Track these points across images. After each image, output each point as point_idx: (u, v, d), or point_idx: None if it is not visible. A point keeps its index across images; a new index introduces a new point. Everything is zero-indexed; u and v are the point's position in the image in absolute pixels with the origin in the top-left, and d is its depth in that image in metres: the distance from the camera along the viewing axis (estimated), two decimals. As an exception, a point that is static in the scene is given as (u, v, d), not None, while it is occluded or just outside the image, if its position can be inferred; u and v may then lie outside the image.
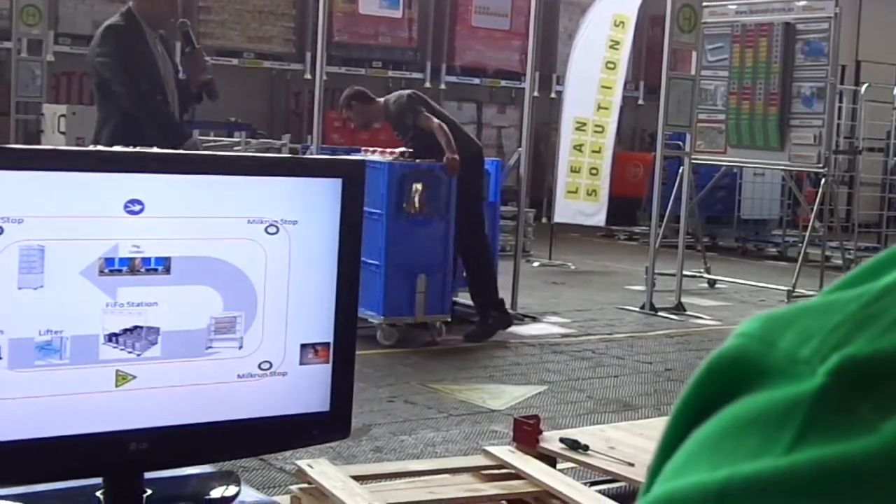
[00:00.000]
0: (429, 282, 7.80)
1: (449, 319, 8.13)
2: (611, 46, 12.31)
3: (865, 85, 15.92)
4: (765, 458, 0.42)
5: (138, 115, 6.37)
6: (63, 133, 11.92)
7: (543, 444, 4.18)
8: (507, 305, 9.11)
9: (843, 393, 0.42)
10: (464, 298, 9.12)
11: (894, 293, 0.44)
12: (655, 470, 0.47)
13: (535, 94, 10.41)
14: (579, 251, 13.74)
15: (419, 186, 7.72)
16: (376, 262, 7.59)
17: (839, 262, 11.93)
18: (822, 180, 10.78)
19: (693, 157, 10.55)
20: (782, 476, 0.41)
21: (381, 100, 8.53)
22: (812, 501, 0.41)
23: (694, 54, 10.43)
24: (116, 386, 1.80)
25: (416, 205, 7.72)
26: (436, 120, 8.11)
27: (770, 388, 0.44)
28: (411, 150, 8.00)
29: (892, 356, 0.42)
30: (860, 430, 0.41)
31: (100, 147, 5.18)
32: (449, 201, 7.87)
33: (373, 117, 8.53)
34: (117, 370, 1.80)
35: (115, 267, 1.77)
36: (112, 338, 1.78)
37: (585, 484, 4.09)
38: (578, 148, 12.38)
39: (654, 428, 4.50)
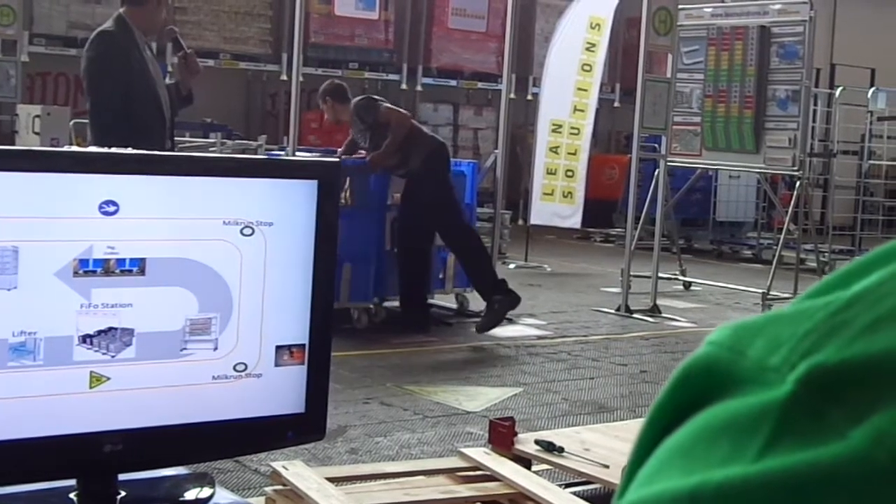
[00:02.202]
0: (353, 270, 8.25)
1: (371, 307, 8.53)
2: (587, 49, 12.33)
3: (840, 88, 16.01)
4: (735, 464, 0.42)
5: (91, 124, 6.47)
6: (38, 134, 11.86)
7: (519, 446, 4.19)
8: (483, 307, 9.12)
9: (812, 400, 0.43)
10: (440, 300, 9.13)
11: (863, 301, 0.45)
12: (630, 475, 0.48)
13: (512, 96, 10.43)
14: (555, 253, 13.76)
15: (347, 180, 8.20)
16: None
17: (814, 264, 11.98)
18: (797, 183, 10.83)
19: (669, 159, 10.58)
20: (753, 483, 0.41)
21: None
22: None
23: (669, 57, 10.46)
24: (90, 387, 1.80)
25: (345, 198, 8.11)
26: (398, 111, 8.33)
27: (740, 396, 0.44)
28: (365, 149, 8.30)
29: (860, 364, 0.42)
30: (829, 436, 0.41)
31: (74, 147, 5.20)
32: (381, 195, 8.55)
33: (344, 115, 8.65)
34: (91, 371, 1.79)
35: (89, 268, 1.76)
36: (86, 339, 1.78)
37: (560, 486, 4.09)
38: (554, 150, 12.39)
39: (629, 430, 4.52)
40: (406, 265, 8.45)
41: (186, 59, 6.81)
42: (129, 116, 6.37)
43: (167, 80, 6.84)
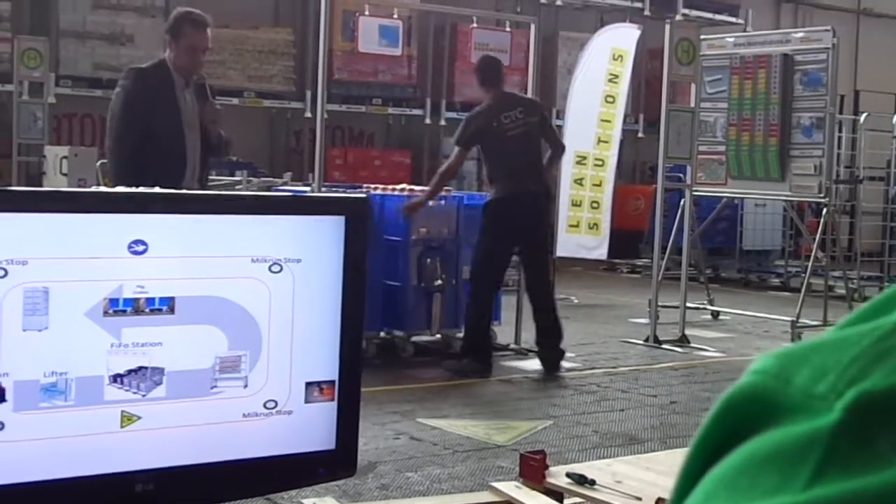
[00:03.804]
0: None
1: (379, 337, 8.61)
2: (610, 80, 12.35)
3: (864, 114, 15.94)
4: (783, 495, 0.42)
5: (108, 158, 6.54)
6: (65, 175, 11.94)
7: (550, 480, 4.16)
8: (511, 340, 9.11)
9: (860, 428, 0.42)
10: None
11: None
12: None
13: (536, 128, 10.41)
14: (582, 285, 13.73)
15: None
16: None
17: (842, 291, 11.90)
18: (824, 210, 10.78)
19: (694, 189, 10.56)
20: None
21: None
22: None
23: (693, 86, 10.45)
24: (122, 427, 1.80)
25: None
26: (451, 160, 8.40)
27: (787, 425, 0.44)
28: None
29: None
30: (878, 464, 0.41)
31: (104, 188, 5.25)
32: (405, 228, 8.63)
33: None
34: (122, 411, 1.80)
35: (119, 307, 1.77)
36: (117, 378, 1.78)
37: (593, 519, 4.06)
38: (579, 182, 12.40)
39: (660, 461, 4.49)
40: (469, 307, 8.37)
41: (206, 108, 6.83)
42: (144, 154, 6.43)
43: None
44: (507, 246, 8.34)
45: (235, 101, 15.37)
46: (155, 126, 6.51)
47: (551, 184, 8.69)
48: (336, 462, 1.98)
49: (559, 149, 8.78)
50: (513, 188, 8.13)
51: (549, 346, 8.40)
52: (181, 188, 6.19)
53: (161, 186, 3.50)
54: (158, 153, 6.48)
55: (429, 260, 8.65)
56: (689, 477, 0.47)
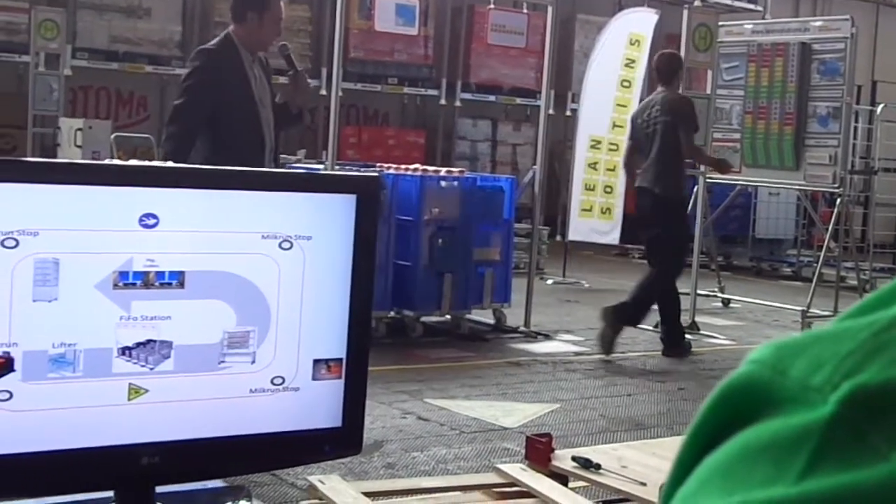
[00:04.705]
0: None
1: (389, 316, 8.59)
2: (626, 65, 12.33)
3: (881, 105, 15.89)
4: (776, 485, 0.42)
5: (167, 134, 6.38)
6: (79, 147, 11.97)
7: (555, 463, 4.17)
8: (521, 323, 9.12)
9: (854, 421, 0.42)
10: (477, 315, 9.13)
11: None
12: (669, 494, 0.47)
13: (551, 111, 10.42)
14: (593, 269, 13.72)
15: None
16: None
17: (854, 282, 11.88)
18: (838, 200, 10.75)
19: (708, 176, 10.54)
20: None
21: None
22: None
23: (709, 73, 10.43)
24: (129, 399, 1.80)
25: None
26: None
27: (782, 416, 0.44)
28: None
29: None
30: (872, 458, 0.41)
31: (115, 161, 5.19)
32: (418, 209, 8.63)
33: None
34: (130, 384, 1.80)
35: (129, 280, 1.77)
36: (125, 351, 1.79)
37: (597, 503, 4.07)
38: (593, 166, 12.39)
39: (666, 447, 4.49)
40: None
41: (296, 77, 6.69)
42: (215, 134, 6.22)
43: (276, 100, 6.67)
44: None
45: (251, 77, 15.35)
46: (230, 107, 6.28)
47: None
48: (342, 440, 1.99)
49: (684, 150, 9.07)
50: (640, 182, 8.75)
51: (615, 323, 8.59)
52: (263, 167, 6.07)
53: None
54: (236, 134, 6.28)
55: (440, 240, 8.66)
56: (684, 465, 0.47)
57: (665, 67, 8.76)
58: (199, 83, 6.33)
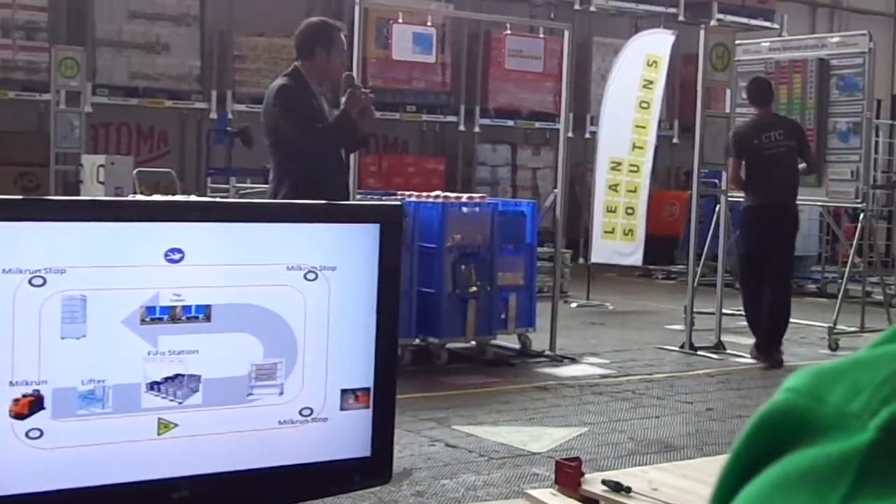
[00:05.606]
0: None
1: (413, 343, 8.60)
2: (644, 86, 12.33)
3: (902, 119, 15.84)
4: None
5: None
6: (102, 183, 12.02)
7: (585, 487, 4.15)
8: (546, 347, 9.10)
9: (894, 447, 0.42)
10: (502, 340, 9.11)
11: None
12: None
13: (570, 134, 10.42)
14: (617, 291, 13.69)
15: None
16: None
17: (880, 297, 11.82)
18: (861, 215, 10.71)
19: (729, 194, 10.51)
20: None
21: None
22: None
23: (728, 92, 10.42)
24: (158, 434, 1.81)
25: None
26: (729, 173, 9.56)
27: (821, 443, 0.44)
28: None
29: None
30: None
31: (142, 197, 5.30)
32: (441, 235, 8.65)
33: None
34: (159, 418, 1.81)
35: (156, 315, 1.78)
36: (154, 386, 1.79)
37: (628, 526, 4.05)
38: (614, 188, 12.38)
39: (697, 469, 4.47)
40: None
41: (365, 102, 6.93)
42: (319, 163, 6.63)
43: None
44: (759, 248, 9.16)
45: (270, 108, 15.42)
46: (317, 124, 6.69)
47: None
48: (371, 469, 1.99)
49: (812, 167, 9.65)
50: (762, 199, 9.09)
51: (771, 348, 9.03)
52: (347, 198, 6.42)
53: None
54: (321, 160, 6.67)
55: (463, 267, 8.65)
56: (724, 492, 0.47)
57: (766, 90, 9.39)
58: (297, 113, 6.70)
